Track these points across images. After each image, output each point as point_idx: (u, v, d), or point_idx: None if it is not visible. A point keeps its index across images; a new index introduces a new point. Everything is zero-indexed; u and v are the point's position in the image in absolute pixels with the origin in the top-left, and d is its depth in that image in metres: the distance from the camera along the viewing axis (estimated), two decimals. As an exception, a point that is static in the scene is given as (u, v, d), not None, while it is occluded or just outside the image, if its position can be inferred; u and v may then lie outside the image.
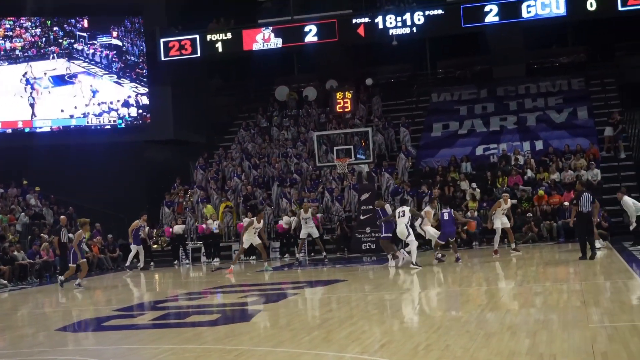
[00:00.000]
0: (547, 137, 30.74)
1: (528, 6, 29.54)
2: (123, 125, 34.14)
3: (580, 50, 36.92)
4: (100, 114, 33.93)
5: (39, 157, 31.26)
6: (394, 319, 11.31)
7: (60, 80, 33.79)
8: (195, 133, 36.03)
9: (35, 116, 33.29)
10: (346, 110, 33.37)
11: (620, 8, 28.68)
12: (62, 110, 33.56)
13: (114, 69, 34.29)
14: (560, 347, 8.13)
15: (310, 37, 31.66)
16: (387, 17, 30.75)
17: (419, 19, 30.49)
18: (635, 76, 33.22)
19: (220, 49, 32.66)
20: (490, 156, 30.59)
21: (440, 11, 30.54)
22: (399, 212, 19.65)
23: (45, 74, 33.49)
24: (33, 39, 33.66)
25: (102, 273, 26.12)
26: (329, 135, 30.83)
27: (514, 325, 9.70)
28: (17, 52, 33.43)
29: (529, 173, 28.21)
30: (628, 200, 21.36)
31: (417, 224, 20.61)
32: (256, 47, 32.25)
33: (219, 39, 32.55)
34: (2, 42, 33.32)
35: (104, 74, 34.22)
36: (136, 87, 34.41)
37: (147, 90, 34.31)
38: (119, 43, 34.38)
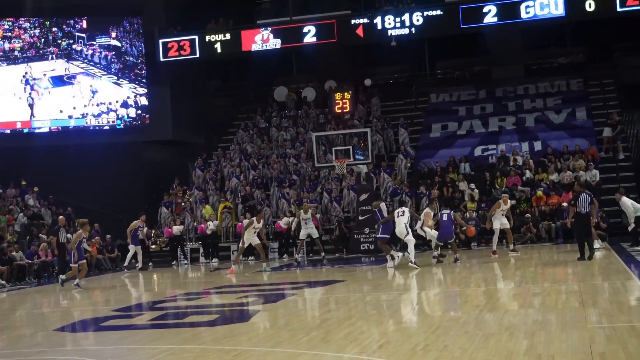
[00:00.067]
0: (546, 138, 30.75)
1: (527, 7, 29.56)
2: (122, 125, 34.14)
3: (579, 51, 36.96)
4: (99, 115, 33.93)
5: (37, 157, 31.27)
6: (392, 320, 11.30)
7: (59, 80, 33.80)
8: (194, 134, 36.04)
9: (34, 117, 33.31)
10: (345, 110, 33.41)
11: (618, 9, 28.70)
12: (60, 111, 33.57)
13: (112, 70, 34.29)
14: (558, 348, 8.14)
15: (309, 38, 31.66)
16: (386, 18, 30.76)
17: (417, 20, 30.51)
18: (634, 77, 33.25)
19: (219, 50, 32.65)
20: (489, 157, 30.60)
21: (439, 12, 30.55)
22: (398, 212, 19.69)
23: (44, 74, 33.50)
24: (32, 40, 33.67)
25: (101, 273, 26.11)
26: (328, 136, 30.83)
27: (512, 325, 9.70)
28: (16, 52, 33.43)
29: (528, 174, 28.22)
30: (626, 201, 21.37)
31: (417, 226, 20.64)
32: (255, 47, 32.25)
33: (217, 39, 32.56)
34: (1, 42, 33.33)
35: (103, 74, 34.22)
36: (135, 88, 34.41)
37: (146, 90, 34.32)
38: (118, 44, 34.39)
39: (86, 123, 33.78)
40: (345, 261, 24.30)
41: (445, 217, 20.11)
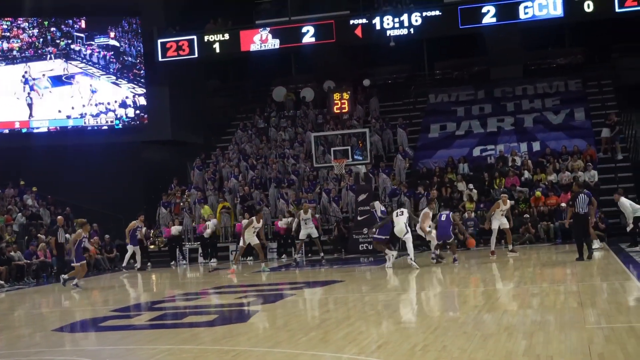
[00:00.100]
0: (544, 139, 30.76)
1: (525, 7, 29.57)
2: (120, 125, 34.13)
3: (578, 51, 36.97)
4: (97, 115, 33.92)
5: (36, 157, 31.26)
6: (391, 320, 11.31)
7: (57, 80, 33.78)
8: (193, 134, 36.03)
9: (32, 117, 33.28)
10: (343, 111, 33.44)
11: (617, 9, 28.71)
12: (59, 111, 33.56)
13: (111, 70, 34.28)
14: (557, 348, 8.14)
15: (308, 38, 31.66)
16: (385, 18, 30.76)
17: (416, 20, 30.51)
18: (632, 77, 33.25)
19: (217, 50, 32.65)
20: (488, 157, 30.61)
21: (437, 12, 30.56)
22: (397, 212, 19.73)
23: (44, 75, 33.49)
24: (30, 40, 33.64)
25: (99, 273, 26.09)
26: (327, 136, 30.84)
27: (511, 326, 9.71)
28: (14, 52, 33.41)
29: (526, 174, 28.24)
30: (625, 202, 21.38)
31: (417, 227, 20.65)
32: (254, 47, 32.25)
33: (216, 39, 32.55)
34: (0, 42, 33.29)
35: (102, 74, 34.21)
36: (133, 88, 34.40)
37: (145, 90, 34.31)
38: (117, 44, 34.38)
39: (85, 123, 33.76)
40: (344, 261, 24.31)
41: (443, 218, 20.16)
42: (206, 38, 32.66)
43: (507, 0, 29.73)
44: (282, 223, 27.56)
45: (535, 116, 32.72)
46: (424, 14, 30.49)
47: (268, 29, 32.04)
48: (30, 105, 33.29)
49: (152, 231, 29.75)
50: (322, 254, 24.96)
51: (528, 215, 25.99)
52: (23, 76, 33.24)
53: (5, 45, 33.30)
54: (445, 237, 20.04)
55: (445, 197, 27.70)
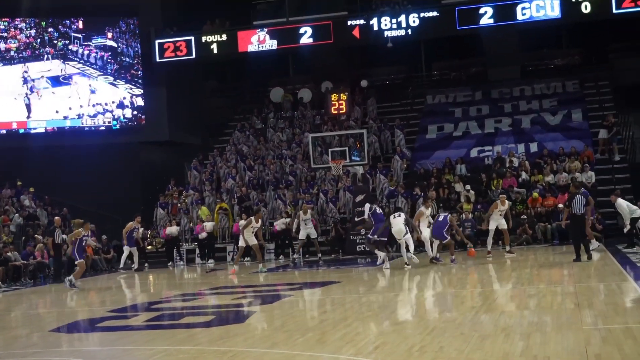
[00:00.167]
0: (542, 140, 30.80)
1: (523, 8, 29.57)
2: (118, 126, 34.11)
3: (575, 52, 37.05)
4: (95, 115, 33.90)
5: (33, 158, 31.20)
6: (388, 321, 11.30)
7: (55, 81, 33.76)
8: (190, 134, 36.01)
9: (30, 117, 33.25)
10: (341, 112, 33.44)
11: (614, 10, 28.73)
12: (56, 112, 33.53)
13: (108, 70, 34.26)
14: (554, 349, 8.14)
15: (305, 39, 31.65)
16: (382, 19, 30.77)
17: (414, 21, 30.52)
18: (630, 78, 33.29)
19: (215, 51, 32.65)
20: (485, 158, 30.64)
21: (435, 13, 30.56)
22: (395, 215, 19.72)
23: (42, 76, 33.46)
24: (28, 40, 33.61)
25: (96, 274, 26.06)
26: (324, 137, 30.87)
27: (508, 327, 9.71)
28: (11, 53, 33.38)
29: (524, 175, 28.27)
30: (622, 203, 21.39)
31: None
32: (251, 48, 32.24)
33: (214, 40, 32.55)
34: (-3, 42, 33.32)
35: (99, 75, 34.19)
36: (131, 89, 34.38)
37: (142, 91, 34.29)
38: (114, 44, 34.36)
39: (82, 124, 33.74)
40: (341, 262, 24.32)
41: (440, 219, 20.22)
42: (204, 39, 32.65)
43: (505, 1, 29.74)
44: (279, 223, 27.52)
45: (532, 117, 32.77)
46: (422, 14, 30.50)
47: (266, 29, 32.03)
48: (28, 106, 33.26)
49: (149, 232, 29.72)
50: (319, 255, 25.01)
51: (525, 216, 26.01)
52: (23, 76, 33.21)
53: (2, 46, 33.27)
54: (437, 237, 20.07)
55: (443, 198, 27.71)
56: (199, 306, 15.25)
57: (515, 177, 28.11)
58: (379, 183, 29.26)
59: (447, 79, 38.36)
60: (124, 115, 34.24)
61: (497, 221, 20.91)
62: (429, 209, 20.99)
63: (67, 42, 33.98)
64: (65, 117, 33.64)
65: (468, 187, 27.93)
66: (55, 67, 33.73)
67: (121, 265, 26.24)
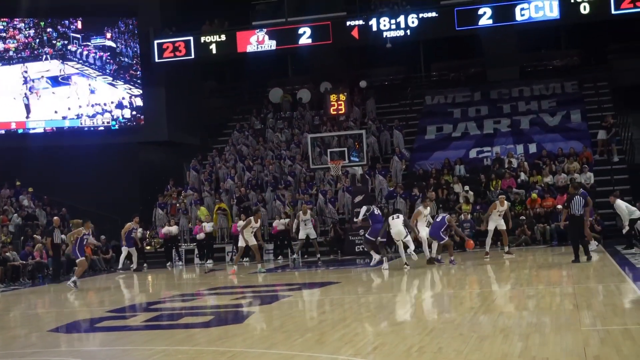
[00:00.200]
0: (541, 140, 30.81)
1: (522, 9, 29.58)
2: (117, 126, 34.10)
3: (574, 53, 37.07)
4: (93, 116, 33.88)
5: (32, 158, 31.20)
6: (387, 321, 11.31)
7: (54, 81, 33.75)
8: (189, 135, 36.02)
9: (28, 117, 33.23)
10: (340, 112, 33.44)
11: (613, 11, 28.74)
12: (55, 112, 33.52)
13: (107, 71, 34.25)
14: (552, 350, 8.15)
15: (304, 40, 31.65)
16: (381, 20, 30.76)
17: (412, 22, 30.51)
18: (628, 79, 33.32)
19: (214, 51, 32.65)
20: (484, 159, 30.64)
21: (434, 14, 30.57)
22: (393, 216, 19.71)
23: (42, 76, 33.45)
24: (27, 40, 33.59)
25: (95, 274, 26.05)
26: (323, 138, 30.85)
27: (506, 328, 9.71)
28: (10, 53, 33.36)
29: (523, 176, 28.27)
30: (621, 204, 21.39)
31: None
32: (250, 49, 32.24)
33: (212, 40, 32.54)
34: (-4, 42, 33.31)
35: (98, 75, 34.18)
36: (130, 89, 34.38)
37: (141, 91, 34.28)
38: (113, 44, 34.35)
39: (81, 124, 33.73)
40: (340, 263, 24.32)
41: (439, 219, 20.21)
42: (203, 39, 32.64)
43: (504, 2, 29.74)
44: (278, 224, 27.49)
45: (531, 118, 32.79)
46: (421, 15, 30.50)
47: (264, 30, 32.03)
48: (27, 106, 33.25)
49: (148, 232, 29.70)
50: (318, 255, 25.03)
51: (524, 217, 26.00)
52: (23, 76, 33.20)
53: (1, 46, 33.26)
54: (434, 237, 20.07)
55: (442, 198, 27.72)
56: (197, 306, 15.24)
57: (514, 177, 28.11)
58: (378, 184, 29.25)
59: (446, 79, 38.38)
60: (122, 115, 34.24)
61: (496, 222, 20.89)
62: (427, 208, 20.96)
63: (66, 42, 33.96)
64: (64, 118, 33.63)
65: (467, 187, 27.93)
66: (54, 67, 33.71)
67: (120, 266, 26.22)
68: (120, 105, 34.18)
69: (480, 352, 8.24)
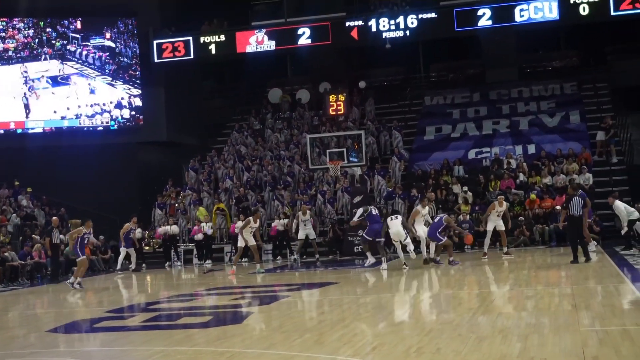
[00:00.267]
0: (540, 141, 30.81)
1: (521, 10, 29.58)
2: (116, 126, 34.09)
3: (573, 54, 37.12)
4: (93, 116, 33.87)
5: (31, 158, 31.21)
6: (385, 322, 11.31)
7: (53, 81, 33.73)
8: (188, 135, 36.01)
9: (27, 117, 33.22)
10: (339, 113, 33.45)
11: (612, 12, 28.74)
12: (54, 112, 33.50)
13: (107, 71, 34.23)
14: (551, 351, 8.15)
15: (304, 40, 31.64)
16: (381, 20, 30.76)
17: (412, 22, 30.51)
18: (628, 80, 33.36)
19: (213, 51, 32.63)
20: (483, 160, 30.65)
21: (433, 14, 30.56)
22: (392, 217, 19.71)
23: (42, 76, 33.44)
24: (26, 40, 33.58)
25: (94, 274, 26.03)
26: (322, 138, 30.84)
27: (505, 328, 9.72)
28: (9, 53, 33.35)
29: (521, 177, 28.27)
30: (620, 205, 21.37)
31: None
32: (249, 49, 32.22)
33: (212, 40, 32.53)
34: (-5, 42, 33.29)
35: (97, 75, 34.16)
36: (129, 89, 34.36)
37: (140, 92, 34.26)
38: (112, 44, 34.33)
39: (80, 124, 33.72)
40: (339, 263, 24.34)
41: (436, 219, 20.22)
42: (202, 39, 32.63)
43: (503, 3, 29.75)
44: (278, 224, 27.48)
45: (530, 119, 32.79)
46: (420, 16, 30.49)
47: (264, 30, 32.02)
48: (26, 106, 33.23)
49: (146, 232, 29.69)
50: (317, 256, 25.05)
51: (523, 218, 26.01)
52: (22, 76, 33.19)
53: (0, 46, 33.24)
54: (431, 238, 20.08)
55: (441, 199, 27.72)
56: (196, 307, 15.25)
57: (513, 178, 28.12)
58: (377, 184, 29.25)
59: (445, 80, 38.41)
60: (122, 115, 34.22)
61: (494, 222, 20.92)
62: (425, 207, 20.93)
63: (65, 42, 33.94)
64: (63, 117, 33.61)
65: (466, 188, 27.93)
66: (53, 67, 33.69)
67: (118, 266, 26.20)
68: (119, 106, 34.16)
69: (478, 353, 8.24)
